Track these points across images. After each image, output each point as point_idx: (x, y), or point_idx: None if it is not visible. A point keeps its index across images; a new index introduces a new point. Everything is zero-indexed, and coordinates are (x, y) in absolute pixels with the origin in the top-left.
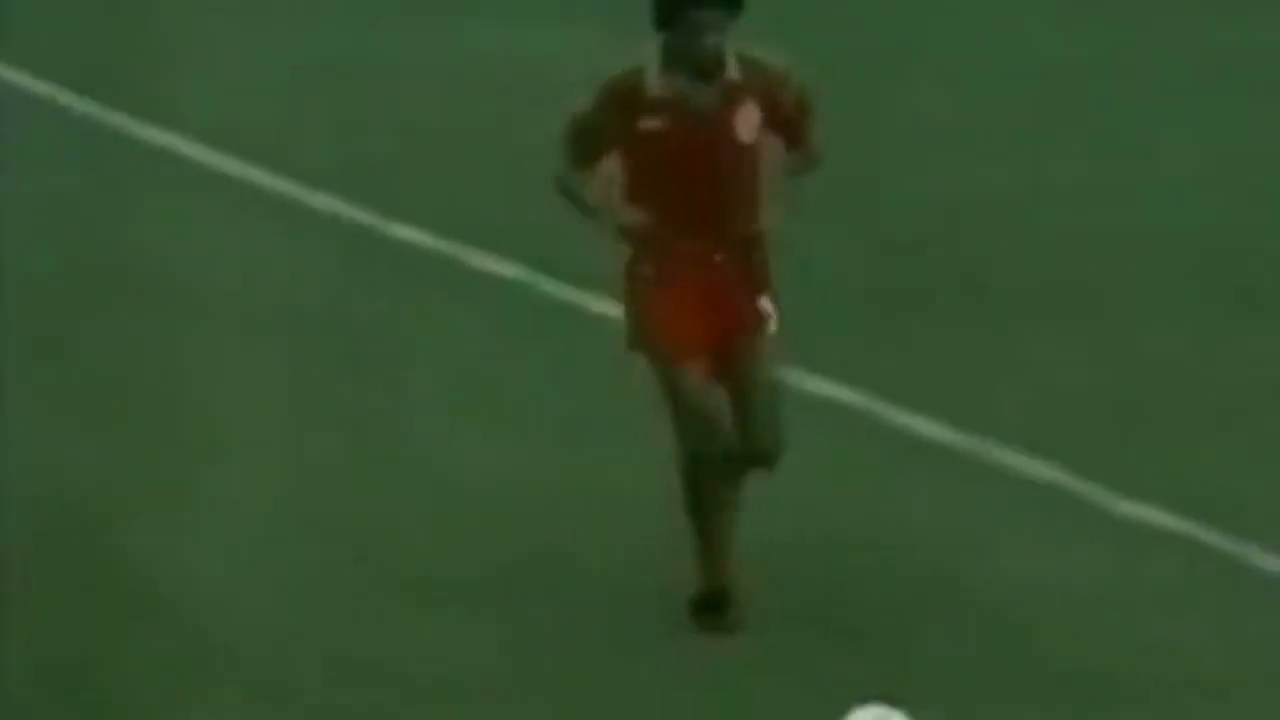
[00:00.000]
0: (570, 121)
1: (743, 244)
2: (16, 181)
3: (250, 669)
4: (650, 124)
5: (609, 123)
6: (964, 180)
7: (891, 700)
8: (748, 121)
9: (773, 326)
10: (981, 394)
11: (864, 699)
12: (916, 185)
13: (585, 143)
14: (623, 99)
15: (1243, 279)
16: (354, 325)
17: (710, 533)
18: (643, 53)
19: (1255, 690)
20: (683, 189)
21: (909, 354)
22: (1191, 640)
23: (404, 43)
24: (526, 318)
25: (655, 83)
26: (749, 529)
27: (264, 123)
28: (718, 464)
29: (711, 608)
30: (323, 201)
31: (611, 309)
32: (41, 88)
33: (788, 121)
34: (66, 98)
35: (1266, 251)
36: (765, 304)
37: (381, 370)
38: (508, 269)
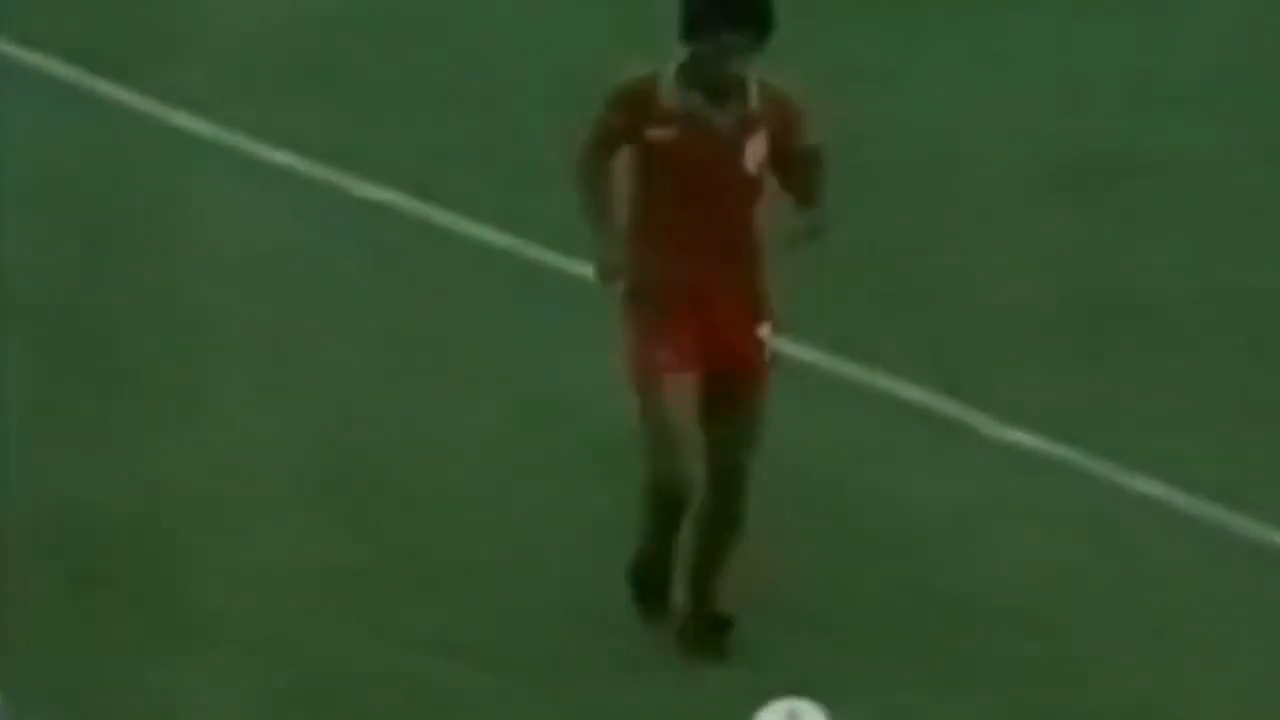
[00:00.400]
0: (589, 135)
1: (744, 271)
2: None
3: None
4: (659, 133)
5: (621, 126)
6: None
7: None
8: (755, 153)
9: (767, 357)
10: (868, 323)
11: (780, 687)
12: None
13: (602, 152)
14: (634, 104)
15: (1131, 199)
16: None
17: (668, 553)
18: (659, 63)
19: (1136, 604)
20: (687, 205)
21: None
22: (1062, 554)
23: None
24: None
25: (669, 93)
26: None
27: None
28: (670, 514)
29: (710, 629)
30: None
31: (493, 235)
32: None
33: (794, 166)
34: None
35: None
36: (764, 333)
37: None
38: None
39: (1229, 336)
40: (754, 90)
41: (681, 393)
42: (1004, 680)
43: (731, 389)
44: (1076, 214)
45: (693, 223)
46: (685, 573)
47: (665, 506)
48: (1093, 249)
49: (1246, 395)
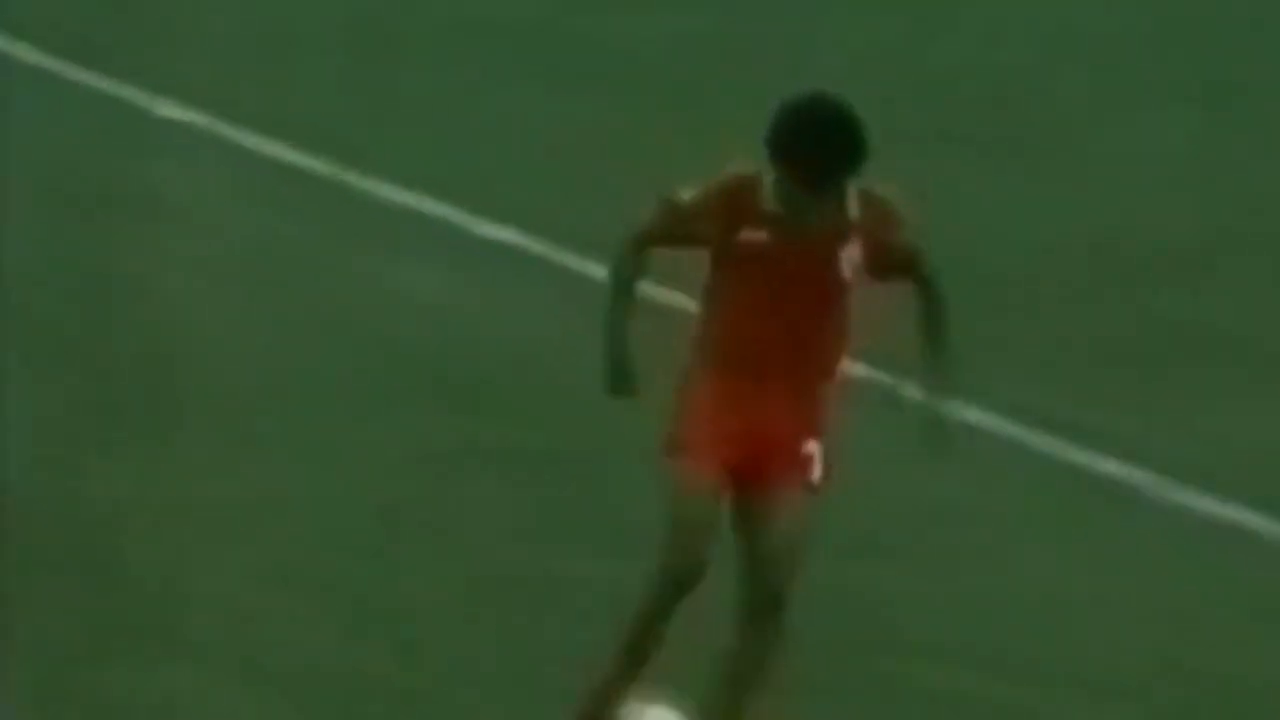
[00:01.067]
0: (670, 204)
1: (811, 379)
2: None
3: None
4: (753, 236)
5: (711, 223)
6: None
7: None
8: (850, 258)
9: (815, 473)
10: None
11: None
12: None
13: (674, 231)
14: (734, 203)
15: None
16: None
17: (626, 674)
18: (761, 163)
19: (977, 534)
20: (767, 308)
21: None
22: (877, 474)
23: None
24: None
25: (769, 196)
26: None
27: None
28: (675, 594)
29: None
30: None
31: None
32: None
33: (898, 265)
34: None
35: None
36: (811, 448)
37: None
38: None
39: (1072, 277)
40: (853, 197)
41: (716, 493)
42: (847, 610)
43: (769, 505)
44: (937, 156)
45: (769, 325)
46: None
47: (668, 590)
48: (943, 188)
49: (1087, 331)
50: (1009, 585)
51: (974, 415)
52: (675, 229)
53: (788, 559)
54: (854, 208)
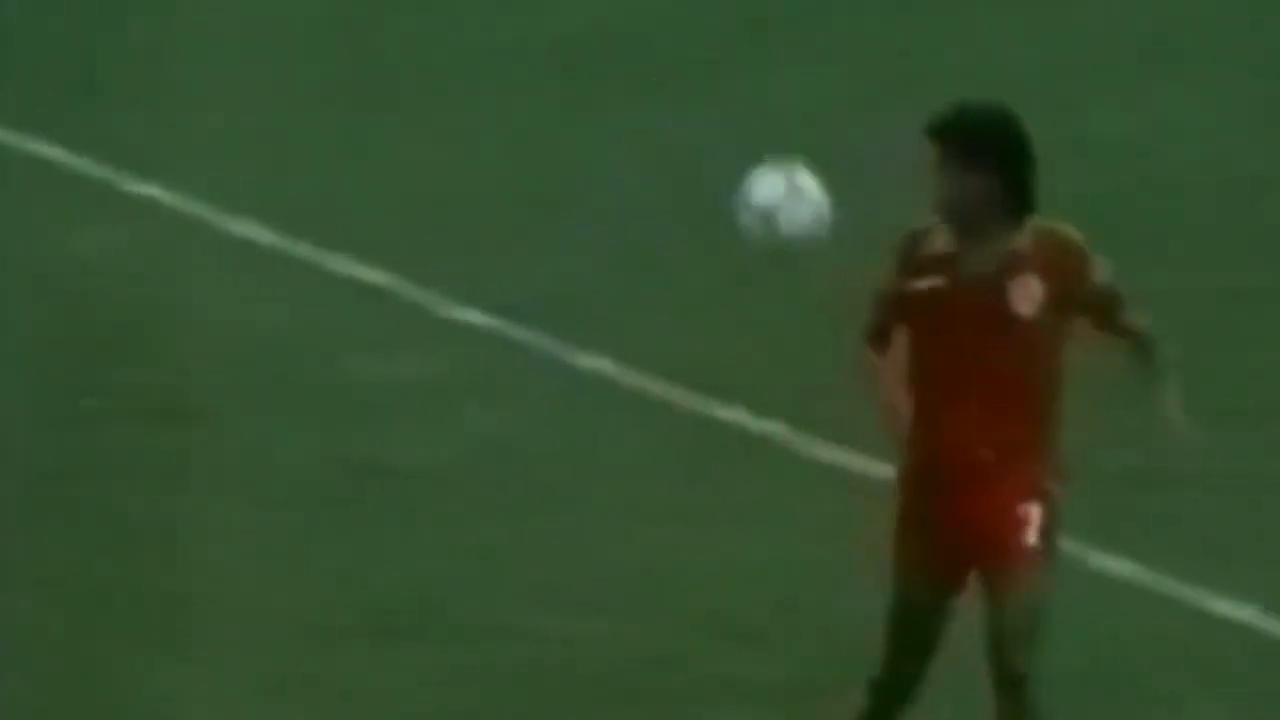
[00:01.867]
0: (873, 295)
1: (1021, 432)
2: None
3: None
4: (922, 284)
5: (894, 283)
6: None
7: None
8: (1027, 293)
9: (1031, 537)
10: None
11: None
12: None
13: (879, 314)
14: (905, 253)
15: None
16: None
17: None
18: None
19: (589, 478)
20: (954, 361)
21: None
22: (515, 431)
23: None
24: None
25: (938, 239)
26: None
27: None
28: (892, 698)
29: None
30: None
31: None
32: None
33: (1091, 305)
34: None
35: None
36: (1027, 510)
37: None
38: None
39: (675, 221)
40: (1027, 231)
41: (937, 585)
42: (456, 545)
43: (991, 578)
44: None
45: (964, 377)
46: None
47: (878, 701)
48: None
49: (692, 277)
50: (634, 533)
51: (598, 364)
52: (879, 312)
53: (1019, 637)
54: (1026, 242)
